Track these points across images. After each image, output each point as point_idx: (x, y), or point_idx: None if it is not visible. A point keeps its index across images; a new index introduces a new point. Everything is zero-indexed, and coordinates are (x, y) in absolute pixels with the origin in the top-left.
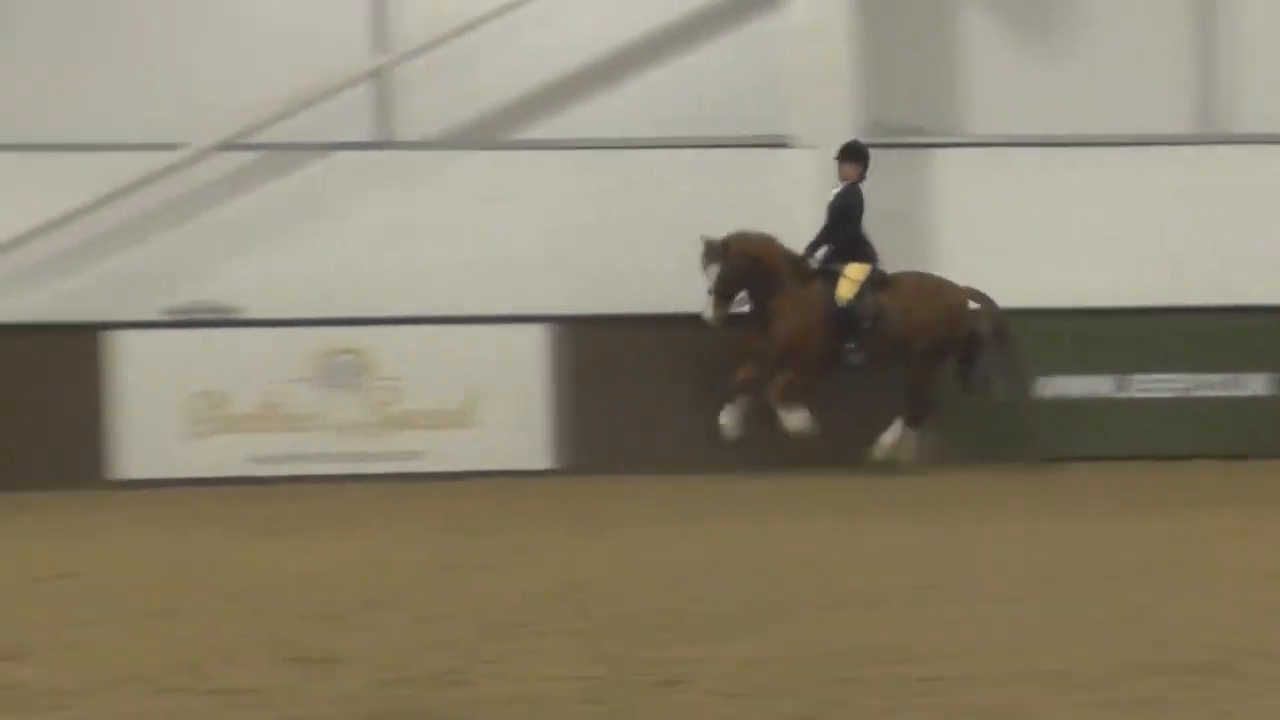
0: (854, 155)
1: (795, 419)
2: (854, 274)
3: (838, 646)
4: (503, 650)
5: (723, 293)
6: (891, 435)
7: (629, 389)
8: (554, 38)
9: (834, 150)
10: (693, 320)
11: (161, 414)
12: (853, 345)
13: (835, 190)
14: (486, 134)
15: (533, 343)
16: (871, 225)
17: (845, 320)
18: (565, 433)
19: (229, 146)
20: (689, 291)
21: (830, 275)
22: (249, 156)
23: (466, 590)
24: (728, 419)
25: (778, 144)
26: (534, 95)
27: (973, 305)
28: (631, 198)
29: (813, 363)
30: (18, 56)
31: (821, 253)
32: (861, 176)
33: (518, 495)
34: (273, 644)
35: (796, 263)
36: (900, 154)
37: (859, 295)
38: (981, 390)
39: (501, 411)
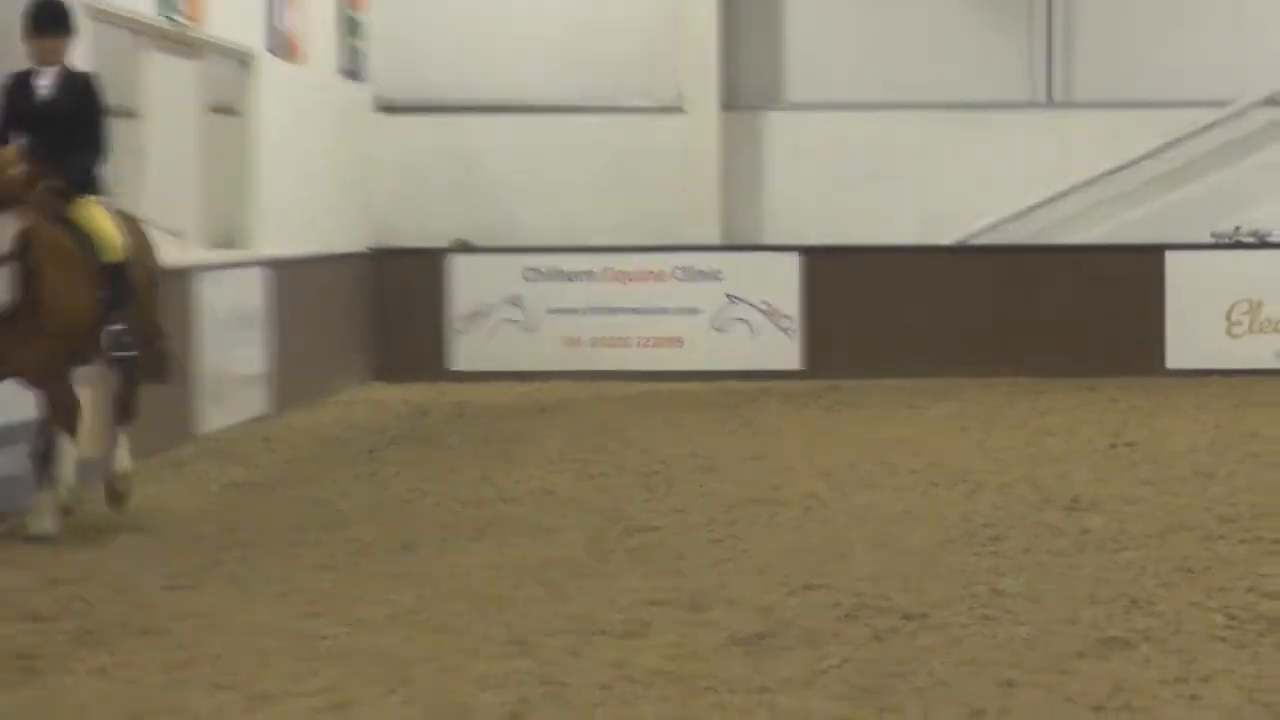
0: (63, 22)
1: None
2: (104, 213)
3: None
4: None
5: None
6: (123, 450)
7: None
8: None
9: None
10: None
11: (1206, 317)
12: (121, 327)
13: (43, 79)
14: None
15: None
16: None
17: (117, 288)
18: None
19: (1271, 102)
20: None
21: (59, 212)
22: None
23: None
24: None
25: None
26: None
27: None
28: None
29: (79, 359)
30: (1117, 30)
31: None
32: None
33: None
34: None
35: (44, 195)
36: None
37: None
38: None
39: None
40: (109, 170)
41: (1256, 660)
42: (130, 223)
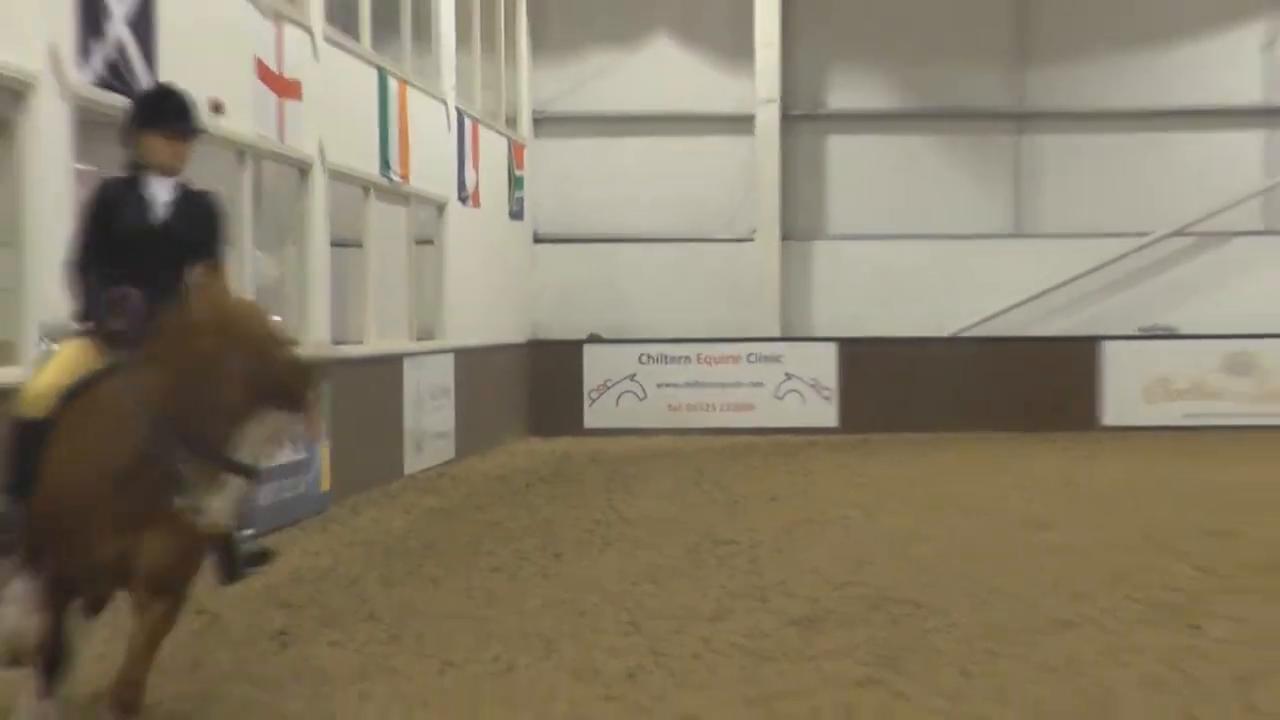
0: (193, 119)
1: None
2: None
3: None
4: None
5: None
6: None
7: None
8: None
9: None
10: None
11: (1131, 389)
12: (253, 531)
13: (159, 192)
14: None
15: None
16: None
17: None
18: None
19: (1177, 234)
20: None
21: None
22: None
23: None
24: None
25: None
26: None
27: None
28: None
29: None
30: (1067, 181)
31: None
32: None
33: None
34: (1187, 523)
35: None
36: None
37: None
38: None
39: None
40: None
41: (1169, 637)
42: None
